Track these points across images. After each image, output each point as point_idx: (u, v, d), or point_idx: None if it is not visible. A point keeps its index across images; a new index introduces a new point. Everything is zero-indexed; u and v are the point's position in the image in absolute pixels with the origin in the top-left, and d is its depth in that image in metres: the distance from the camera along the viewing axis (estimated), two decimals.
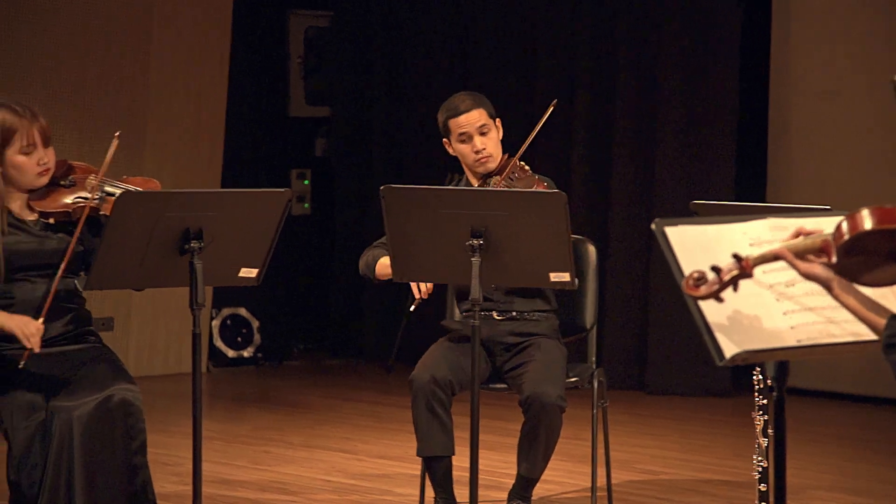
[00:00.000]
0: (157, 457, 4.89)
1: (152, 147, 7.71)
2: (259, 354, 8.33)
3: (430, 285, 4.48)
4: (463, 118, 4.62)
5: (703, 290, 2.66)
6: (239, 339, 8.29)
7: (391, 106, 8.46)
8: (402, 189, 4.08)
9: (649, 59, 7.53)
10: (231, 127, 8.11)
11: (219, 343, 8.20)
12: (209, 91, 7.96)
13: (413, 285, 4.48)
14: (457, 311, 4.87)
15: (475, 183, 4.66)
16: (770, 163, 7.49)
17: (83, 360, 4.11)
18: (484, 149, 4.61)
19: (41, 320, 3.95)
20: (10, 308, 4.03)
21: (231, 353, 8.23)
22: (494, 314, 4.66)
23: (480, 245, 4.00)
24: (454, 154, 4.69)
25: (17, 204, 4.11)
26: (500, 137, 4.68)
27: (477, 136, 4.61)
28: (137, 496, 4.03)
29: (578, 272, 4.68)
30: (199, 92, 7.90)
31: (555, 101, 4.56)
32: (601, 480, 4.81)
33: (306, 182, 8.78)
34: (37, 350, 3.93)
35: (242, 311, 8.33)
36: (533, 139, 4.59)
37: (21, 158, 4.06)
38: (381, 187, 4.06)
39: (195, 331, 3.82)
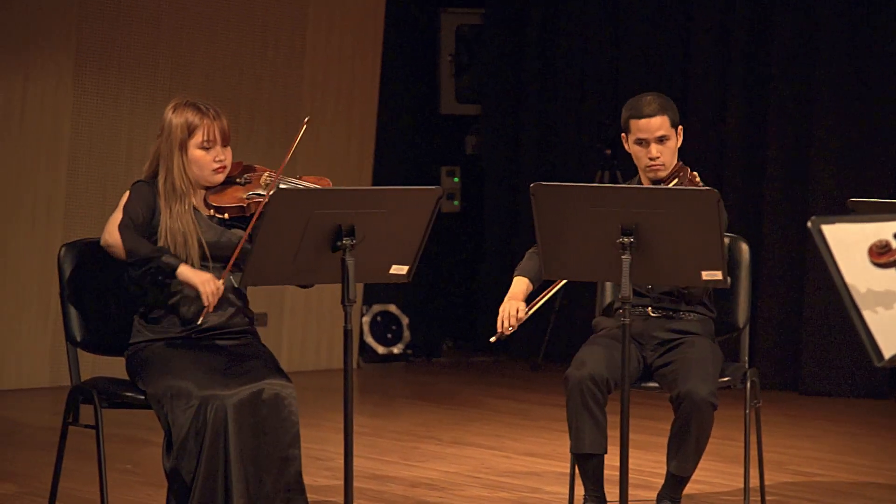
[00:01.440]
0: (308, 451, 4.95)
1: (305, 145, 7.80)
2: (409, 351, 8.38)
3: (514, 321, 4.40)
4: (644, 122, 4.51)
5: (887, 258, 2.62)
6: (389, 335, 8.36)
7: (542, 104, 8.45)
8: (552, 186, 4.06)
9: (805, 53, 7.40)
10: (382, 124, 8.18)
11: (369, 339, 8.28)
12: (361, 89, 8.04)
13: (499, 320, 4.42)
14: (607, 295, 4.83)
15: (647, 185, 4.59)
16: None
17: (239, 353, 4.20)
18: (658, 157, 4.51)
19: (221, 281, 4.11)
20: (179, 295, 4.18)
21: (381, 350, 8.30)
22: (649, 310, 4.62)
23: (631, 243, 3.97)
24: (629, 151, 4.62)
25: (196, 199, 4.26)
26: (679, 145, 4.59)
27: (654, 143, 4.51)
28: (291, 487, 4.09)
29: (731, 271, 4.62)
30: (351, 90, 7.99)
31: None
32: (754, 481, 4.74)
33: (456, 179, 8.81)
34: (210, 310, 4.10)
35: (392, 308, 8.40)
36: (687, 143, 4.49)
37: (200, 153, 4.21)
38: (532, 185, 4.05)
39: (347, 327, 3.85)
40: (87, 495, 4.95)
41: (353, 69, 7.98)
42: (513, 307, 4.44)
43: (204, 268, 4.19)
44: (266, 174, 4.28)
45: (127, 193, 4.25)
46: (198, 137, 4.21)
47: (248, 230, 4.14)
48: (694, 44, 7.78)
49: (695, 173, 4.52)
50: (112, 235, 4.17)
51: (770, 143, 7.50)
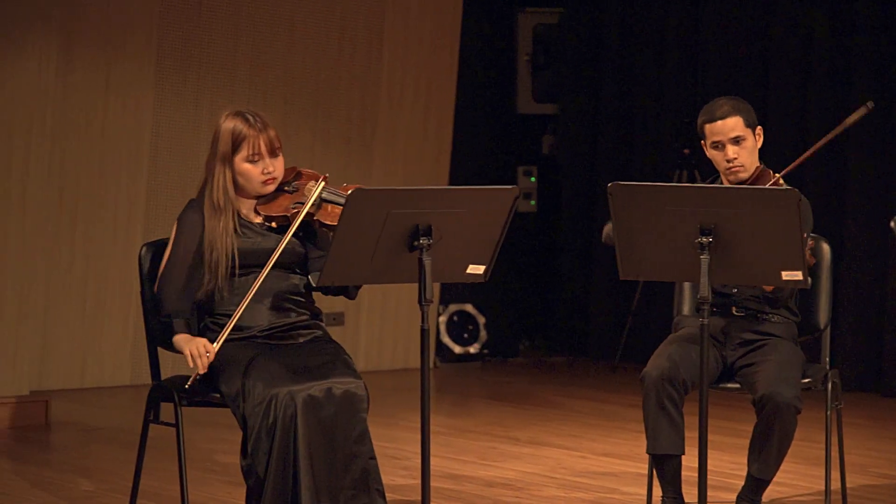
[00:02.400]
0: (385, 450, 4.97)
1: (382, 144, 7.84)
2: (485, 350, 8.38)
3: None
4: (718, 125, 4.51)
5: None
6: (465, 335, 8.36)
7: (619, 103, 8.41)
8: (629, 186, 4.04)
9: (888, 49, 7.31)
10: (459, 124, 8.19)
11: (445, 339, 8.29)
12: (438, 88, 8.05)
13: None
14: (685, 306, 4.80)
15: None
16: None
17: (309, 351, 4.22)
18: (735, 158, 4.50)
19: (216, 346, 4.10)
20: (231, 300, 4.20)
21: (457, 349, 8.31)
22: (733, 310, 4.59)
23: (710, 243, 3.94)
24: (710, 158, 4.59)
25: (245, 208, 4.29)
26: (759, 146, 4.57)
27: (730, 145, 4.50)
28: (357, 484, 4.09)
29: (811, 271, 4.57)
30: (428, 89, 8.00)
31: (871, 104, 4.42)
32: (835, 484, 4.69)
33: (533, 179, 8.80)
34: (201, 372, 4.10)
35: (469, 308, 8.40)
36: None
37: (247, 166, 4.23)
38: (609, 184, 4.03)
39: (423, 326, 3.86)
40: (167, 492, 5.00)
41: (430, 69, 7.99)
42: None
43: (243, 274, 4.20)
44: (311, 183, 4.27)
45: (175, 228, 4.29)
46: (244, 151, 4.22)
47: (287, 235, 4.15)
48: (774, 41, 7.71)
49: (777, 175, 4.48)
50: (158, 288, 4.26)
51: (852, 143, 7.41)
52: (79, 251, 7.14)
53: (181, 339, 4.17)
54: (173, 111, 7.29)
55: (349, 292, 4.29)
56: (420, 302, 3.85)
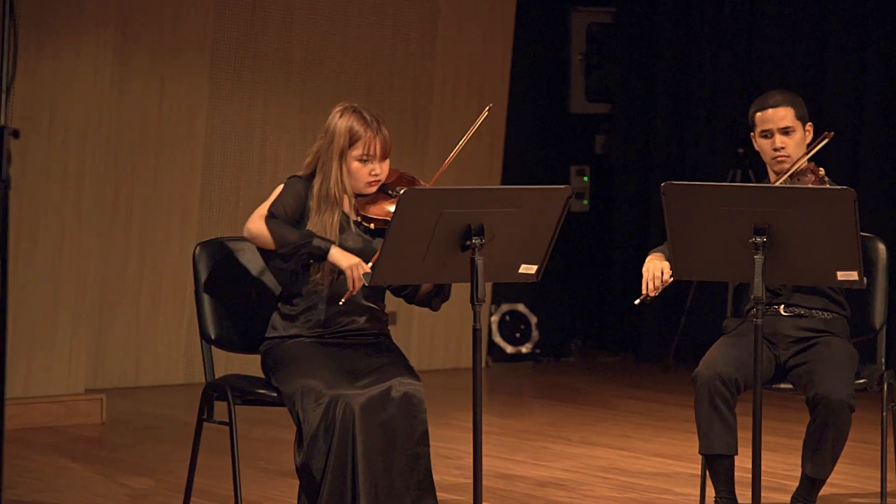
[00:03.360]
0: (437, 450, 4.97)
1: (435, 143, 7.84)
2: (537, 350, 8.37)
3: (659, 283, 4.35)
4: (769, 113, 4.54)
5: None
6: (517, 334, 8.35)
7: (673, 102, 8.37)
8: (683, 186, 4.03)
9: None
10: (512, 123, 8.19)
11: (497, 338, 8.29)
12: (491, 87, 8.05)
13: (643, 281, 4.38)
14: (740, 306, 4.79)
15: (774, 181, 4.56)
16: None
17: (369, 352, 4.24)
18: (783, 148, 4.51)
19: (370, 265, 4.07)
20: (316, 302, 4.22)
21: (509, 349, 8.30)
22: (781, 309, 4.56)
23: (764, 243, 3.92)
24: (757, 149, 4.60)
25: (347, 204, 4.28)
26: (808, 142, 4.56)
27: (778, 134, 4.52)
28: (421, 484, 4.11)
29: (867, 271, 4.54)
30: (481, 88, 8.00)
31: (831, 133, 4.42)
32: (891, 485, 4.65)
33: (585, 179, 8.78)
34: (354, 292, 4.11)
35: (521, 307, 8.39)
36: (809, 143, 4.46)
37: (357, 165, 4.22)
38: (662, 184, 4.02)
39: (475, 326, 3.86)
40: (221, 491, 5.03)
41: (483, 68, 8.00)
42: (657, 268, 4.36)
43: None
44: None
45: (280, 187, 4.29)
46: (358, 150, 4.21)
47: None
48: (829, 39, 7.65)
49: (821, 169, 4.47)
50: (257, 226, 4.19)
51: None
52: (134, 250, 7.19)
53: (339, 254, 4.13)
54: (227, 110, 7.33)
55: (433, 304, 4.29)
56: (472, 301, 3.85)
